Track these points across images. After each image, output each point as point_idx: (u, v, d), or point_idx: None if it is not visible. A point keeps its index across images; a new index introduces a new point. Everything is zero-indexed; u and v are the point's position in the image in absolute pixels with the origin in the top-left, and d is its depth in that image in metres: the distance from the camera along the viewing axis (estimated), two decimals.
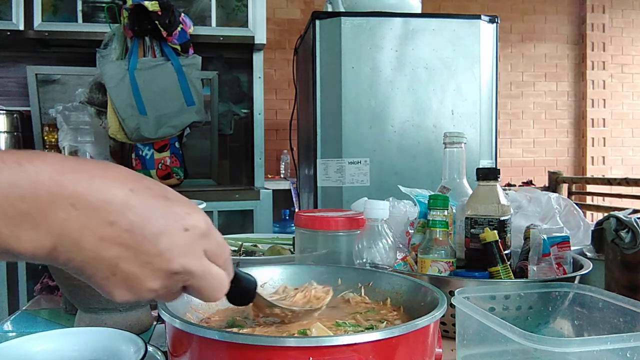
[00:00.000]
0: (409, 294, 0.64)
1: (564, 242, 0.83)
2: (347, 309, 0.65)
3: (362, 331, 0.56)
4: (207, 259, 0.42)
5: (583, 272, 0.79)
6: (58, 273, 0.80)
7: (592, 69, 4.86)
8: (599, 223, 0.90)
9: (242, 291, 0.51)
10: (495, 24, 2.01)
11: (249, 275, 0.53)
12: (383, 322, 0.60)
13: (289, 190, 3.59)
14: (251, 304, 0.55)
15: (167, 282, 0.41)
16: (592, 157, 4.91)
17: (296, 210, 2.73)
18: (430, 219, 0.83)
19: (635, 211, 1.00)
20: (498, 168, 0.93)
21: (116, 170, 0.40)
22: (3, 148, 2.49)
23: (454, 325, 0.74)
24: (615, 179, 3.16)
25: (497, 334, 0.53)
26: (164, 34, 2.21)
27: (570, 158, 4.97)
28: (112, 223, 0.37)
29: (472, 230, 0.85)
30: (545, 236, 0.83)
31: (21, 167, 0.35)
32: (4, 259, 0.37)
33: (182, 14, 2.29)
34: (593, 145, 4.90)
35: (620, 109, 4.98)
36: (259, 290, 0.55)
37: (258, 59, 2.62)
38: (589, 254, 0.97)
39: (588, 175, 4.76)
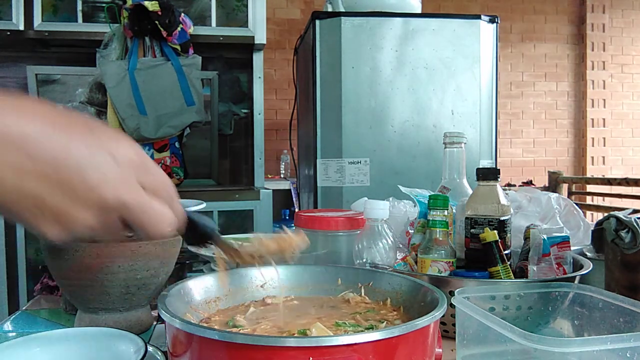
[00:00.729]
0: (409, 294, 0.64)
1: (564, 242, 0.83)
2: (347, 309, 0.65)
3: (362, 331, 0.56)
4: (145, 192, 0.40)
5: (583, 272, 0.79)
6: (58, 273, 0.80)
7: (592, 69, 4.86)
8: (599, 223, 0.90)
9: (196, 232, 0.50)
10: (495, 24, 2.01)
11: (206, 219, 0.52)
12: (383, 322, 0.60)
13: (289, 190, 3.60)
14: (217, 253, 0.55)
15: (101, 217, 0.38)
16: (592, 157, 4.91)
17: (296, 210, 2.73)
18: (430, 219, 0.83)
19: (635, 211, 1.00)
20: (498, 168, 0.93)
21: (35, 103, 0.37)
22: None
23: (454, 325, 0.74)
24: (615, 179, 3.16)
25: (497, 334, 0.53)
26: (164, 34, 2.21)
27: (570, 158, 4.97)
28: (32, 156, 0.35)
29: (472, 230, 0.85)
30: (545, 236, 0.83)
31: None
32: None
33: (182, 14, 2.29)
34: (593, 145, 4.90)
35: (620, 109, 4.98)
36: (223, 237, 0.54)
37: (258, 59, 2.62)
38: (589, 254, 0.97)
39: (588, 175, 4.76)
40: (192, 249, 0.77)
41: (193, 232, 0.49)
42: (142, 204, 0.40)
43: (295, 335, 0.54)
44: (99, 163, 0.37)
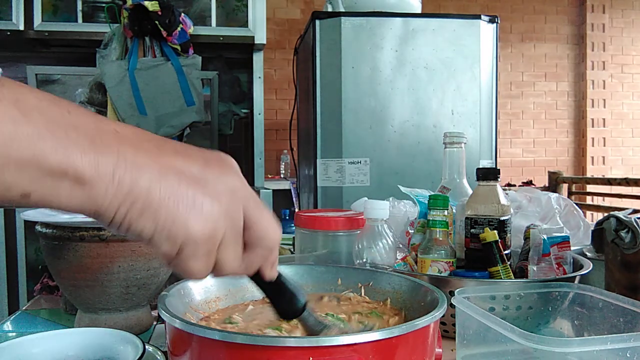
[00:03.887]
0: (409, 294, 0.64)
1: (564, 242, 0.83)
2: (348, 307, 0.65)
3: (362, 331, 0.56)
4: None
5: (583, 272, 0.79)
6: (58, 273, 0.80)
7: (592, 69, 4.86)
8: (599, 223, 0.90)
9: (283, 300, 0.47)
10: (495, 24, 2.01)
11: (298, 287, 0.49)
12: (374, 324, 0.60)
13: (289, 190, 3.59)
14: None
15: (230, 204, 0.39)
16: (592, 157, 4.90)
17: (296, 210, 2.72)
18: (430, 219, 0.83)
19: (635, 211, 1.00)
20: (498, 168, 0.93)
21: (155, 138, 0.39)
22: None
23: (454, 325, 0.74)
24: (615, 179, 3.16)
25: (497, 334, 0.53)
26: (164, 34, 2.21)
27: (570, 158, 4.97)
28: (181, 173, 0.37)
29: (472, 230, 0.85)
30: (545, 236, 0.83)
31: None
32: (61, 194, 0.32)
33: (182, 14, 2.29)
34: (593, 145, 4.90)
35: (620, 109, 4.97)
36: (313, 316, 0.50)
37: (258, 59, 2.62)
38: (589, 254, 0.97)
39: (588, 175, 4.76)
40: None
41: (279, 296, 0.46)
42: (258, 203, 0.41)
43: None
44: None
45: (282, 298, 0.46)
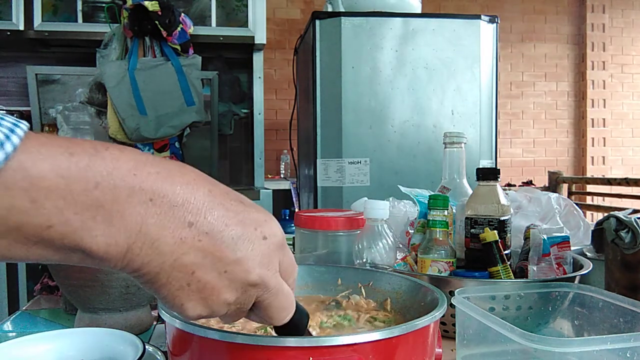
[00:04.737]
0: (409, 294, 0.64)
1: (564, 242, 0.83)
2: (349, 308, 0.65)
3: (361, 331, 0.56)
4: (280, 273, 0.39)
5: (583, 272, 0.79)
6: (58, 273, 0.80)
7: (592, 69, 4.86)
8: (599, 223, 0.90)
9: (296, 322, 0.44)
10: (495, 24, 2.01)
11: (303, 307, 0.47)
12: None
13: (289, 190, 3.59)
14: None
15: (241, 296, 0.37)
16: (592, 157, 4.91)
17: (296, 210, 2.73)
18: (430, 219, 0.83)
19: (635, 211, 1.00)
20: (498, 168, 0.93)
21: (193, 170, 0.37)
22: None
23: (454, 325, 0.74)
24: (615, 179, 3.16)
25: (497, 334, 0.53)
26: (164, 34, 2.21)
27: (570, 158, 4.97)
28: (191, 224, 0.34)
29: (472, 230, 0.85)
30: (545, 236, 0.83)
31: (98, 153, 0.32)
32: (72, 260, 0.32)
33: (182, 14, 2.29)
34: (593, 145, 4.90)
35: (620, 109, 4.98)
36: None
37: (258, 59, 2.62)
38: (589, 254, 0.97)
39: (588, 175, 4.76)
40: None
41: (292, 319, 0.43)
42: (278, 287, 0.39)
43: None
44: (251, 239, 0.36)
45: (296, 317, 0.44)
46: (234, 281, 0.36)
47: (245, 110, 2.81)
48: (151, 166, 0.34)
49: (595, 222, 0.96)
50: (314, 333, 0.50)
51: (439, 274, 0.81)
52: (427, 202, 0.85)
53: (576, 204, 1.19)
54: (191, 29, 2.34)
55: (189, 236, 0.34)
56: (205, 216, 0.35)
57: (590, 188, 4.03)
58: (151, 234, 0.33)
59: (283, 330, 0.45)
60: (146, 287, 0.36)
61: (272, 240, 0.38)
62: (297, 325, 0.45)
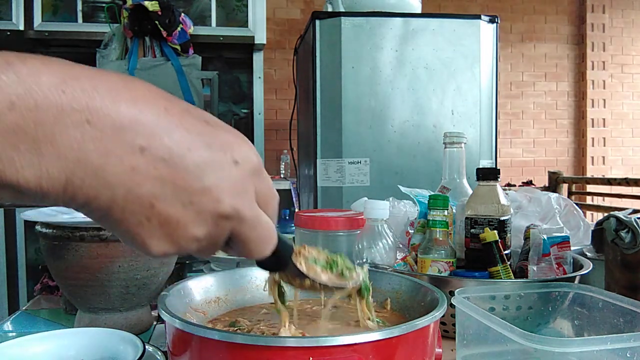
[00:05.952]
0: (409, 294, 0.64)
1: (564, 242, 0.83)
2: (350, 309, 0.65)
3: (362, 331, 0.56)
4: (257, 202, 0.34)
5: (583, 272, 0.79)
6: (58, 273, 0.80)
7: (592, 69, 4.86)
8: (599, 223, 0.90)
9: (279, 255, 0.41)
10: (495, 24, 2.01)
11: (286, 237, 0.44)
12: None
13: (289, 190, 3.59)
14: (274, 276, 0.49)
15: (213, 229, 0.33)
16: (592, 157, 4.90)
17: (296, 210, 2.72)
18: (430, 219, 0.83)
19: (635, 211, 1.00)
20: (498, 168, 0.93)
21: (144, 84, 0.31)
22: None
23: (454, 325, 0.74)
24: (615, 179, 3.16)
25: (497, 334, 0.53)
26: (164, 34, 2.22)
27: (570, 158, 4.97)
28: (144, 149, 0.29)
29: (472, 230, 0.85)
30: (545, 236, 0.83)
31: (10, 66, 0.26)
32: (7, 197, 0.27)
33: (182, 14, 2.30)
34: (593, 145, 4.90)
35: (620, 109, 4.98)
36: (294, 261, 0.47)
37: (258, 59, 2.62)
38: (589, 254, 0.97)
39: (588, 175, 4.76)
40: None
41: (274, 253, 0.39)
42: (255, 218, 0.34)
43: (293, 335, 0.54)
44: (220, 165, 0.32)
45: (279, 249, 0.41)
46: (202, 213, 0.31)
47: (245, 110, 2.81)
48: (87, 80, 0.28)
49: (595, 222, 0.96)
50: (303, 268, 0.47)
51: (439, 274, 0.81)
52: (427, 202, 0.85)
53: (576, 204, 1.19)
54: (191, 29, 2.34)
55: (141, 163, 0.29)
56: (161, 139, 0.29)
57: (590, 188, 4.03)
58: (93, 162, 0.27)
59: (265, 264, 0.42)
60: (102, 224, 0.31)
61: (245, 165, 0.33)
62: (280, 258, 0.42)
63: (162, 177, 0.30)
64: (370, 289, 0.55)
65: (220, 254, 1.07)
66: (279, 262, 0.43)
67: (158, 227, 0.31)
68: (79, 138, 0.27)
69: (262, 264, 0.43)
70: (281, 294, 0.52)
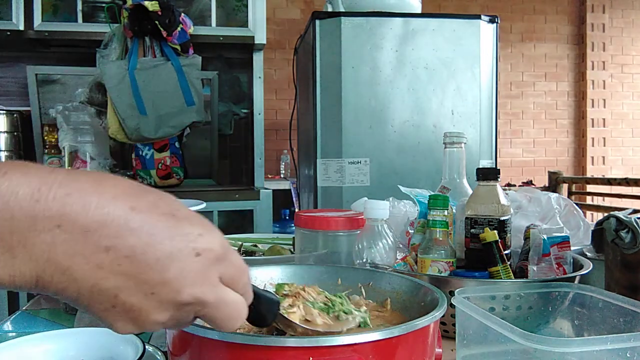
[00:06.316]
0: (409, 294, 0.64)
1: (564, 242, 0.83)
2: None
3: (362, 331, 0.56)
4: (222, 285, 0.37)
5: (583, 272, 0.79)
6: None
7: (592, 69, 4.86)
8: (599, 223, 0.90)
9: (262, 313, 0.45)
10: (495, 24, 2.01)
11: (271, 294, 0.47)
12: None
13: (289, 190, 3.59)
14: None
15: (175, 314, 0.35)
16: (592, 157, 4.91)
17: (296, 210, 2.73)
18: (430, 219, 0.83)
19: (635, 211, 1.00)
20: (498, 168, 0.93)
21: (113, 183, 0.33)
22: (3, 148, 2.49)
23: (454, 325, 0.74)
24: (615, 179, 3.16)
25: (497, 334, 0.53)
26: (164, 34, 2.21)
27: (570, 158, 4.97)
28: (109, 249, 0.32)
29: (472, 230, 0.85)
30: (545, 236, 0.83)
31: None
32: None
33: (182, 14, 2.29)
34: (593, 145, 4.90)
35: (620, 109, 4.98)
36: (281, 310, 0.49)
37: (258, 59, 2.62)
38: (589, 254, 0.97)
39: (588, 175, 4.76)
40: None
41: (257, 312, 0.43)
42: (218, 301, 0.36)
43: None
44: (180, 258, 0.34)
45: (260, 306, 0.44)
46: (163, 302, 0.34)
47: (245, 110, 2.81)
48: (60, 187, 0.31)
49: (595, 222, 0.96)
50: (297, 318, 0.49)
51: (439, 274, 0.81)
52: (427, 202, 0.85)
53: (576, 204, 1.19)
54: (191, 29, 2.34)
55: (106, 261, 0.32)
56: (125, 239, 0.32)
57: (590, 188, 4.04)
58: (61, 262, 0.31)
59: (251, 322, 0.45)
60: (77, 306, 0.34)
61: (206, 256, 0.35)
62: (263, 316, 0.45)
63: (126, 272, 0.32)
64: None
65: None
66: (264, 320, 0.46)
67: (123, 314, 0.34)
68: (49, 241, 0.30)
69: (250, 322, 0.45)
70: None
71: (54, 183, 0.31)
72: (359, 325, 0.54)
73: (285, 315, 0.48)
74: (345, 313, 0.53)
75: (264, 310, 0.45)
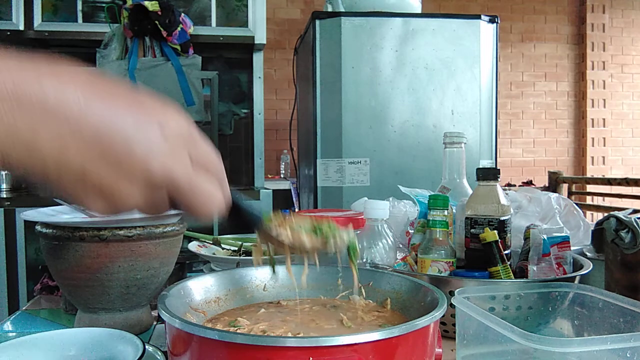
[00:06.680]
0: (409, 294, 0.64)
1: (564, 242, 0.83)
2: (350, 309, 0.65)
3: (362, 331, 0.56)
4: (194, 167, 0.36)
5: (583, 272, 0.79)
6: (58, 273, 0.80)
7: (592, 69, 4.86)
8: (599, 223, 0.90)
9: (241, 217, 0.45)
10: (495, 24, 2.01)
11: (252, 204, 0.47)
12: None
13: (289, 190, 3.59)
14: (258, 240, 0.52)
15: (148, 193, 0.35)
16: (592, 157, 4.91)
17: (296, 210, 2.72)
18: (430, 219, 0.83)
19: (635, 211, 1.00)
20: (498, 168, 0.93)
21: (75, 70, 0.34)
22: None
23: (454, 325, 0.74)
24: (615, 179, 3.16)
25: (497, 334, 0.53)
26: (164, 34, 2.21)
27: (570, 158, 4.97)
28: (73, 127, 0.32)
29: (472, 230, 0.85)
30: (545, 236, 0.82)
31: None
32: None
33: (182, 14, 2.29)
34: (593, 145, 4.90)
35: (620, 109, 4.98)
36: (269, 226, 0.49)
37: (258, 59, 2.62)
38: (589, 254, 0.97)
39: (588, 175, 4.76)
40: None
41: (237, 217, 0.44)
42: (192, 181, 0.36)
43: (297, 335, 0.54)
44: (146, 134, 0.34)
45: (240, 212, 0.45)
46: (135, 180, 0.34)
47: (245, 110, 2.81)
48: (16, 70, 0.32)
49: (595, 222, 0.96)
50: (285, 233, 0.50)
51: (439, 274, 0.81)
52: (427, 202, 0.85)
53: (576, 204, 1.19)
54: (191, 29, 2.34)
55: (70, 138, 0.32)
56: (86, 116, 0.32)
57: (590, 188, 4.03)
58: (24, 136, 0.31)
59: (236, 223, 0.45)
60: (51, 190, 0.34)
61: (172, 132, 0.35)
62: (246, 219, 0.45)
63: (91, 149, 0.32)
64: (358, 250, 0.56)
65: (221, 254, 1.07)
66: (245, 224, 0.46)
67: (94, 192, 0.34)
68: (11, 120, 0.30)
69: (232, 222, 0.45)
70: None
71: (10, 66, 0.32)
72: (348, 248, 0.54)
73: (275, 235, 0.48)
74: (333, 236, 0.54)
75: (245, 220, 0.45)
